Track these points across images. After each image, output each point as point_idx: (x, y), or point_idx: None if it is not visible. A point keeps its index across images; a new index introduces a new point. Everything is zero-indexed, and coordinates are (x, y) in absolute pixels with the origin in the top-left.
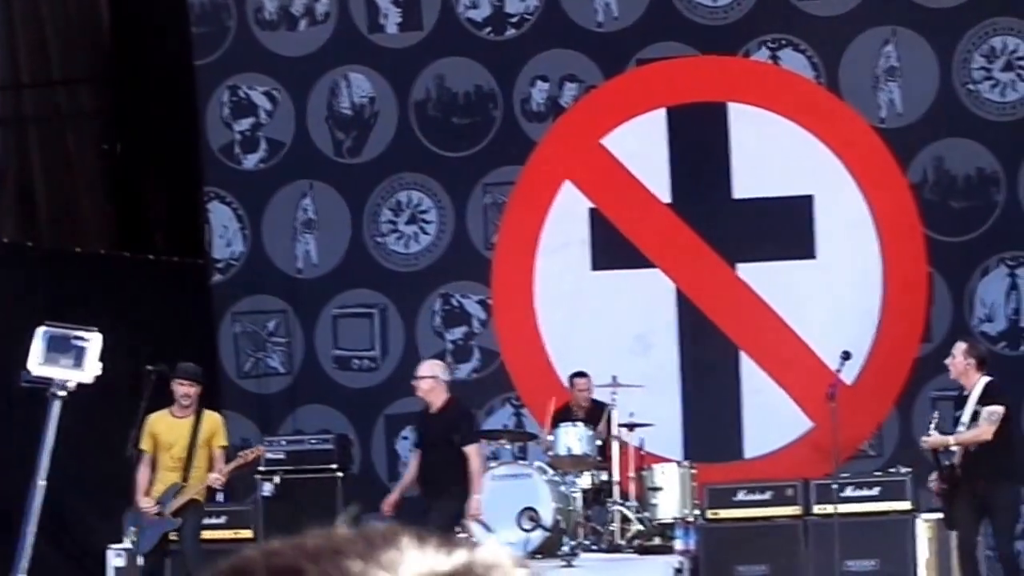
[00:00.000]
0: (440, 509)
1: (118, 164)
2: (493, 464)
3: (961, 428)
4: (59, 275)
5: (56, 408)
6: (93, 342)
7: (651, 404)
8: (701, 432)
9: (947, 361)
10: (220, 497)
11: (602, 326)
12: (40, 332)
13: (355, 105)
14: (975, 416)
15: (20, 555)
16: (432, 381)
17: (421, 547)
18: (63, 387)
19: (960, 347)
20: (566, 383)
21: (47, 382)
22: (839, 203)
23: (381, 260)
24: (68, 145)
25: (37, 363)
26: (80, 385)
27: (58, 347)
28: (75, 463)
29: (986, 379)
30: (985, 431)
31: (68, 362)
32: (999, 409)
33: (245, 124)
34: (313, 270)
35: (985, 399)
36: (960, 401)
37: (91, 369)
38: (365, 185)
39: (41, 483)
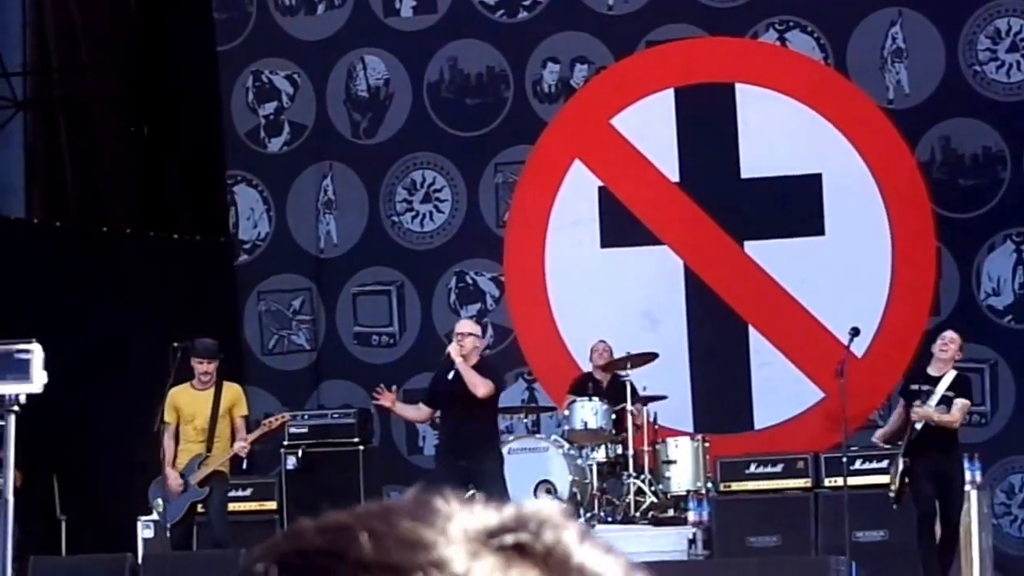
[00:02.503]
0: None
1: (144, 146)
2: (509, 437)
3: (929, 407)
4: (86, 253)
5: (11, 423)
6: (36, 353)
7: (661, 378)
8: (711, 404)
9: (946, 345)
10: (244, 466)
11: (612, 303)
12: None
13: (371, 87)
14: (942, 400)
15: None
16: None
17: (471, 505)
18: (15, 402)
19: (958, 340)
20: (579, 358)
21: None
22: (848, 181)
23: (397, 238)
24: (96, 128)
25: None
26: (29, 396)
27: (3, 364)
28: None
29: (954, 372)
30: (957, 419)
31: (15, 376)
32: (968, 403)
33: (269, 108)
34: (333, 249)
35: (960, 391)
36: (921, 378)
37: (38, 379)
38: (381, 165)
39: (9, 499)
